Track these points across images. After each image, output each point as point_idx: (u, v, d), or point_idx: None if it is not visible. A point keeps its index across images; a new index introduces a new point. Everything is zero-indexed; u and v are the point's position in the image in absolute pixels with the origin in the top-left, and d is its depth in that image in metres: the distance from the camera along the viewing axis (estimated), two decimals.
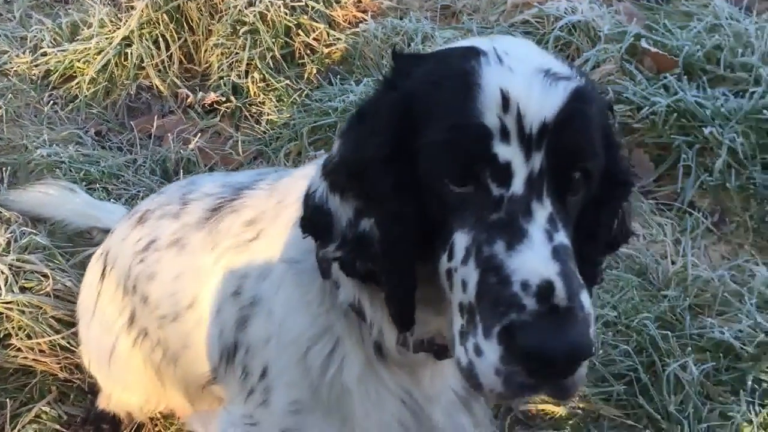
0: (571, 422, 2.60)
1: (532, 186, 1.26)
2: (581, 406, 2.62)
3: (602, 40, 3.78)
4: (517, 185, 1.26)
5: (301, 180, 1.70)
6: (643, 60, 3.70)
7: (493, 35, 1.43)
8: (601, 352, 2.68)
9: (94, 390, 2.56)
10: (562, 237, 1.25)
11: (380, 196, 1.34)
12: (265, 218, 1.80)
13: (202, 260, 1.89)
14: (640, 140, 3.50)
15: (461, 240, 1.29)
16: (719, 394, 2.59)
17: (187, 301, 1.92)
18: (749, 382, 2.58)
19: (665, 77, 3.56)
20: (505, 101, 1.25)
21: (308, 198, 1.51)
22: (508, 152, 1.25)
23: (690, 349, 2.66)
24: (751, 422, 2.46)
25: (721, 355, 2.65)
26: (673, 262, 3.02)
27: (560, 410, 2.61)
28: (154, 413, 2.48)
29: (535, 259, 1.20)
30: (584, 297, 1.21)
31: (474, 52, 1.33)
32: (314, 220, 1.48)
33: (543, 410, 2.63)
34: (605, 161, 1.37)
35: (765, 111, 3.32)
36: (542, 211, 1.26)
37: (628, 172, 1.46)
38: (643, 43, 3.69)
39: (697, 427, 2.47)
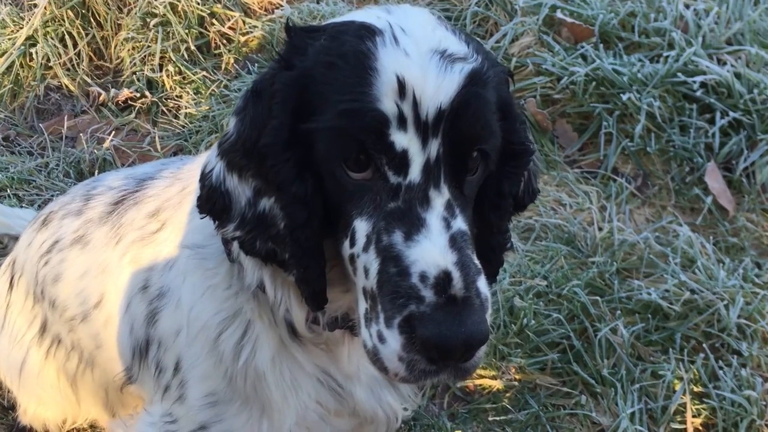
0: (508, 395, 2.59)
1: (429, 173, 1.26)
2: (517, 377, 2.62)
3: (519, 13, 3.79)
4: (414, 173, 1.26)
5: None
6: (560, 31, 3.72)
7: (390, 4, 1.38)
8: (533, 322, 2.68)
9: (15, 406, 2.44)
10: (459, 223, 1.27)
11: (283, 181, 1.31)
12: (168, 207, 1.73)
13: (106, 256, 1.81)
14: (562, 110, 3.52)
15: (362, 227, 1.29)
16: (650, 354, 2.62)
17: (94, 299, 1.84)
18: (678, 341, 2.62)
19: (582, 47, 3.58)
20: (401, 87, 1.23)
21: (204, 178, 1.45)
22: (404, 140, 1.25)
23: (620, 312, 2.69)
24: (681, 379, 2.49)
25: (649, 315, 2.69)
26: (599, 229, 3.04)
27: (497, 384, 2.61)
28: (73, 427, 2.38)
29: (433, 249, 1.22)
30: (481, 283, 1.24)
31: (369, 31, 1.29)
32: (211, 200, 1.43)
33: (480, 385, 2.62)
34: (504, 134, 1.36)
35: (680, 74, 3.38)
36: (440, 198, 1.26)
37: (527, 141, 1.47)
38: (559, 14, 3.70)
39: (630, 389, 2.49)
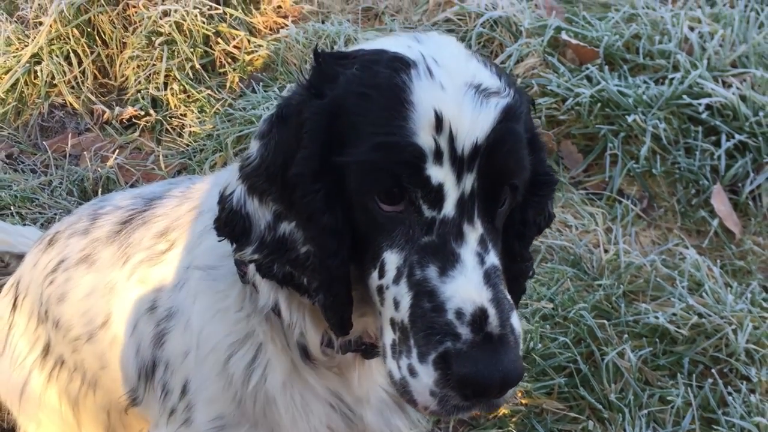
0: (514, 419, 2.56)
1: (463, 208, 1.26)
2: (524, 402, 2.59)
3: (524, 34, 3.79)
4: (449, 208, 1.25)
5: (215, 187, 1.63)
6: (565, 52, 3.73)
7: (418, 32, 1.39)
8: (540, 345, 2.66)
9: (15, 428, 2.40)
10: (492, 258, 1.26)
11: (313, 212, 1.30)
12: (178, 227, 1.71)
13: (113, 276, 1.79)
14: (567, 132, 3.52)
15: (392, 259, 1.28)
16: (658, 378, 2.59)
17: (100, 319, 1.82)
18: (686, 365, 2.59)
19: (587, 68, 3.59)
20: (438, 121, 1.23)
21: (224, 200, 1.44)
22: (440, 174, 1.24)
23: (627, 336, 2.66)
24: (690, 404, 2.46)
25: (657, 339, 2.66)
26: (605, 251, 3.02)
27: (503, 408, 2.57)
28: None
29: (469, 286, 1.21)
30: (514, 319, 1.23)
31: (403, 62, 1.29)
32: (231, 223, 1.42)
33: None
34: (532, 166, 1.36)
35: (685, 96, 3.38)
36: (473, 233, 1.26)
37: (551, 171, 1.48)
38: (564, 36, 3.71)
39: (638, 414, 2.46)
